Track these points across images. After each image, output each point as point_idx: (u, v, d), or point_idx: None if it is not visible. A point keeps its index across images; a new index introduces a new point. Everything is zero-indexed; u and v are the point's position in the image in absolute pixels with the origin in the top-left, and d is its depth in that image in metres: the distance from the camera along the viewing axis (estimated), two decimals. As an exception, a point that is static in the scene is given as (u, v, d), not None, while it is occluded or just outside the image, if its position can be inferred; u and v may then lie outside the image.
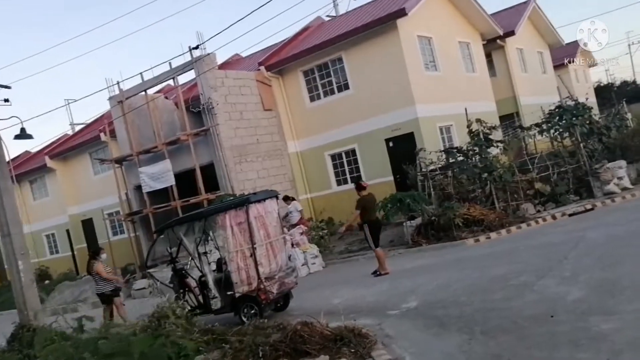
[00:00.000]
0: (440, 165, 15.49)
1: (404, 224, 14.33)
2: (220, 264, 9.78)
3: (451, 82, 20.25)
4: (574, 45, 41.05)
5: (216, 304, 9.56)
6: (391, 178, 18.47)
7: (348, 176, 19.82)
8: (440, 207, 13.61)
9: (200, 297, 9.80)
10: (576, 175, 14.54)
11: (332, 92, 19.76)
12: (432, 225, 13.63)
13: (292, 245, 14.46)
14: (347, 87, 19.35)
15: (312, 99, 20.25)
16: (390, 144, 18.59)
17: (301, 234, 14.79)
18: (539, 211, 13.96)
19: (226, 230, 9.31)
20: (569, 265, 7.99)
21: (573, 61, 39.36)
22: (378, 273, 11.15)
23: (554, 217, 13.05)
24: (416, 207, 13.29)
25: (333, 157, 20.11)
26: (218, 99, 17.96)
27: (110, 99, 20.18)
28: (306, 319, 6.85)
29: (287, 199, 16.42)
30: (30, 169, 29.33)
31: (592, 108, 16.09)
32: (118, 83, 19.57)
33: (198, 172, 17.61)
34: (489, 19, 22.92)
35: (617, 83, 68.18)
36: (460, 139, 17.77)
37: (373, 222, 11.21)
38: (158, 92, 21.90)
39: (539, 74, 29.58)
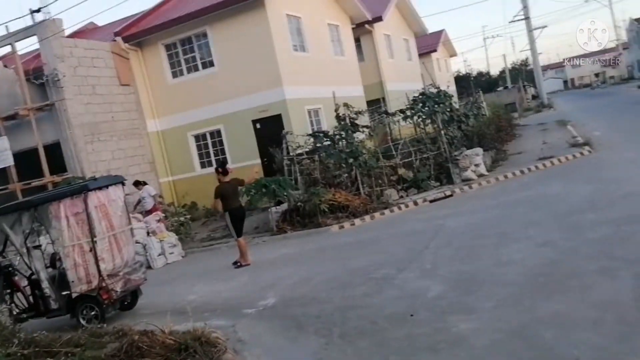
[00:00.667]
0: (307, 150, 15.09)
1: (269, 210, 13.78)
2: (55, 259, 8.52)
3: (320, 64, 19.95)
4: (437, 35, 43.29)
5: (49, 305, 8.32)
6: (259, 161, 17.80)
7: (213, 158, 18.85)
8: (306, 193, 13.20)
9: (31, 298, 8.50)
10: (437, 161, 14.86)
11: (196, 69, 18.59)
12: (297, 212, 13.21)
13: (148, 233, 13.35)
14: (212, 64, 18.29)
15: (174, 75, 18.91)
16: (258, 126, 17.91)
17: (158, 221, 13.67)
18: (401, 197, 14.08)
19: (60, 221, 8.07)
20: (430, 257, 7.88)
21: (435, 50, 41.53)
22: (239, 264, 10.49)
23: (415, 203, 13.20)
24: (281, 193, 12.77)
25: (197, 137, 19.01)
26: (65, 71, 16.07)
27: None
28: (148, 326, 6.02)
29: (139, 184, 15.15)
30: None
31: (452, 96, 16.58)
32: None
33: (41, 151, 15.69)
34: (358, 2, 22.92)
35: (474, 74, 73.34)
36: (329, 123, 17.54)
37: (235, 209, 10.49)
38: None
39: (404, 60, 30.44)
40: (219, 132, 18.54)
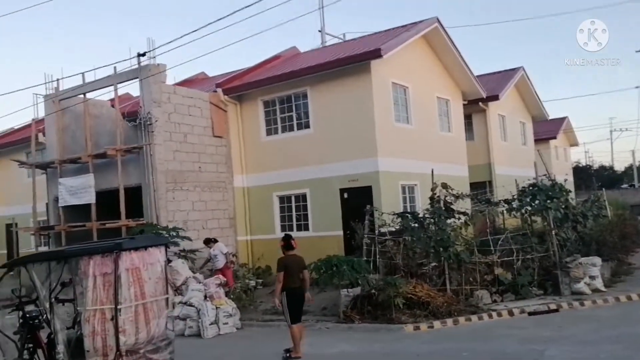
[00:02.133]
0: (392, 230, 13.50)
1: (340, 292, 12.22)
2: (76, 321, 7.51)
3: (423, 138, 18.50)
4: (559, 122, 40.42)
5: (58, 375, 7.25)
6: (341, 233, 16.43)
7: (295, 223, 17.74)
8: (382, 280, 11.54)
9: (46, 360, 7.51)
10: (543, 265, 12.67)
11: (291, 129, 17.84)
12: (370, 300, 11.55)
13: (206, 297, 12.24)
14: (307, 125, 17.45)
15: (268, 132, 18.27)
16: (345, 196, 16.63)
17: (218, 285, 12.54)
18: (495, 301, 11.98)
19: (87, 280, 7.08)
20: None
21: (555, 137, 38.63)
22: (289, 355, 8.97)
23: (511, 313, 11.07)
24: (352, 277, 11.20)
25: (282, 199, 18.04)
26: (160, 116, 15.86)
27: (46, 97, 17.96)
28: None
29: (209, 242, 14.25)
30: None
31: (570, 191, 14.40)
32: (58, 80, 17.48)
33: (122, 192, 15.36)
34: (473, 79, 21.43)
35: (595, 166, 68.02)
36: (425, 202, 15.89)
37: (295, 289, 9.06)
38: (111, 100, 19.69)
39: (518, 144, 28.22)
40: (304, 196, 17.46)
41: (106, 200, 16.01)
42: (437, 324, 10.65)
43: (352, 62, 16.28)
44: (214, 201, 17.43)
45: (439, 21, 18.77)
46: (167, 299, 7.74)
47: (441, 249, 12.06)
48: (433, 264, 12.65)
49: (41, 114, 18.36)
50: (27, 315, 7.68)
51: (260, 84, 17.95)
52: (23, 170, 24.18)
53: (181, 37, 12.81)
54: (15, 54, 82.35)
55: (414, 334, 10.31)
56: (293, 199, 17.76)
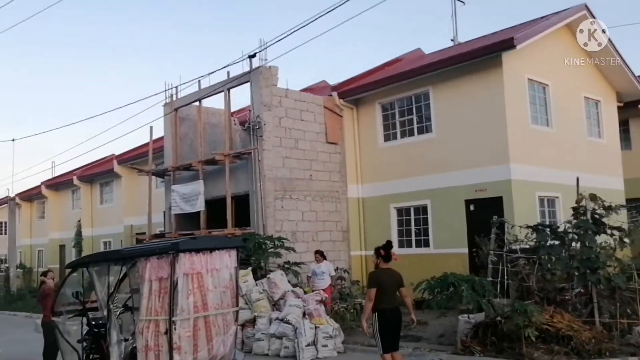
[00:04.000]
0: (525, 247, 11.31)
1: (459, 317, 10.33)
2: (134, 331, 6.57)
3: (566, 144, 15.90)
4: None
5: (111, 392, 6.33)
6: (466, 251, 14.40)
7: (414, 238, 16.02)
8: (511, 306, 9.48)
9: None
10: None
11: (411, 133, 16.20)
12: (495, 329, 9.54)
13: (304, 315, 10.97)
14: (429, 129, 15.73)
15: (386, 138, 16.81)
16: (472, 208, 14.61)
17: (319, 301, 11.21)
18: (662, 341, 9.35)
19: (144, 284, 6.12)
20: None
21: None
22: (379, 390, 7.38)
23: (686, 359, 8.47)
24: (473, 300, 9.28)
25: (400, 211, 16.41)
26: (269, 120, 15.09)
27: (164, 105, 18.09)
28: None
29: (318, 255, 12.89)
30: (100, 172, 28.51)
31: None
32: (176, 88, 17.53)
33: (229, 200, 14.77)
34: (632, 77, 18.27)
35: None
36: (568, 217, 13.40)
37: (389, 311, 7.40)
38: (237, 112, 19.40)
39: (689, 156, 23.93)
40: (425, 208, 15.68)
41: (218, 209, 15.49)
42: (581, 365, 8.39)
43: (481, 55, 14.35)
44: (325, 212, 16.25)
45: (587, 7, 16.13)
46: (236, 313, 6.54)
47: (587, 271, 9.70)
48: (577, 289, 10.29)
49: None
50: (93, 323, 6.89)
51: (378, 85, 16.59)
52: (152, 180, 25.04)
53: (290, 31, 11.69)
54: (133, 66, 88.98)
55: (550, 376, 8.17)
56: (412, 211, 16.06)
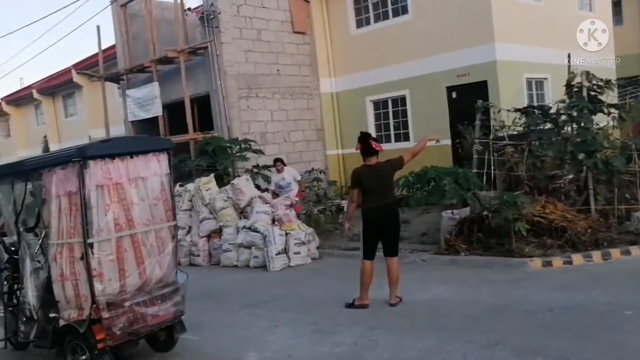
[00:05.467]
0: (513, 133, 10.23)
1: (442, 214, 9.42)
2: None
3: (555, 20, 14.37)
4: None
5: (31, 330, 5.33)
6: (449, 142, 13.34)
7: (392, 132, 14.89)
8: (499, 198, 8.53)
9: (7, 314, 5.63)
10: None
11: (386, 17, 14.57)
12: (481, 225, 8.66)
13: (274, 221, 10.00)
14: (405, 10, 14.11)
15: (359, 24, 15.19)
16: (454, 95, 13.38)
17: (289, 206, 10.20)
18: (663, 226, 8.55)
19: (52, 202, 4.96)
20: None
21: None
22: (352, 302, 6.49)
23: (691, 244, 7.67)
24: (457, 194, 8.29)
25: (377, 104, 15.15)
26: (227, 9, 13.38)
27: (112, 2, 16.10)
28: None
29: (277, 163, 11.57)
30: (60, 83, 26.64)
31: None
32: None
33: (187, 101, 13.39)
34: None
35: None
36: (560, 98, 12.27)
37: (376, 210, 6.37)
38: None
39: (682, 29, 22.57)
40: (403, 99, 14.42)
41: (179, 113, 14.09)
42: (577, 258, 7.57)
43: None
44: (297, 110, 14.94)
45: None
46: (173, 228, 5.45)
47: (583, 155, 8.68)
48: (570, 175, 9.34)
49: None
50: (13, 249, 5.78)
51: (346, -36, 14.75)
52: (114, 90, 23.32)
53: None
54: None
55: (542, 272, 7.35)
56: (390, 103, 14.80)
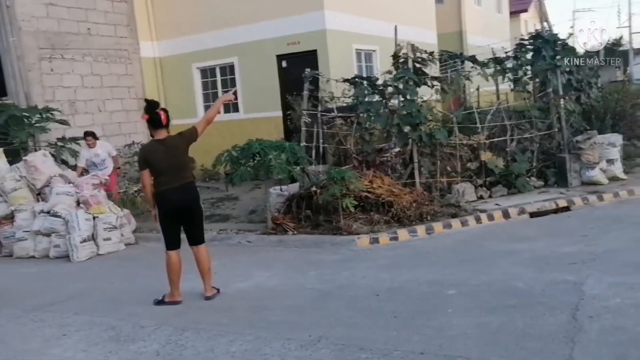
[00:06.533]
0: (342, 105, 9.91)
1: (270, 190, 8.80)
2: None
3: (384, -6, 14.44)
4: (533, -10, 36.22)
5: None
6: (280, 114, 12.86)
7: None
8: (327, 174, 8.12)
9: None
10: (543, 148, 9.45)
11: (212, -26, 13.51)
12: (310, 201, 8.21)
13: (78, 204, 8.64)
14: (232, -32, 13.18)
15: (182, -17, 13.92)
16: (284, 64, 12.83)
17: (96, 185, 8.88)
18: (481, 197, 8.82)
19: None
20: None
21: (527, 10, 34.71)
22: (162, 299, 5.60)
23: (506, 215, 7.92)
24: (283, 170, 7.70)
25: (204, 72, 14.11)
26: (20, -49, 11.31)
27: None
28: None
29: (88, 137, 10.10)
30: None
31: (575, 49, 10.91)
32: None
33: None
34: None
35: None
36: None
37: (169, 193, 5.43)
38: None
39: (493, 11, 24.50)
40: (232, 67, 13.56)
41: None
42: (403, 233, 7.42)
43: None
44: (113, 75, 13.33)
45: None
46: None
47: (408, 128, 8.59)
48: (396, 149, 9.26)
49: None
50: None
51: None
52: None
53: None
54: None
55: (370, 249, 7.07)
56: (218, 71, 13.85)
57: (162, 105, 5.65)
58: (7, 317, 5.69)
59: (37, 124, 10.50)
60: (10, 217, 8.80)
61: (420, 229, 7.47)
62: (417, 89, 8.99)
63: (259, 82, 12.99)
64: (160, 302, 5.54)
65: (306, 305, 5.20)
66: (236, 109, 13.53)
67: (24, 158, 9.00)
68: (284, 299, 5.44)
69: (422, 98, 9.41)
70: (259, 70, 12.94)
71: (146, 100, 5.49)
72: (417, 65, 9.34)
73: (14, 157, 9.75)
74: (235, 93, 6.09)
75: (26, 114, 10.46)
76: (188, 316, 5.19)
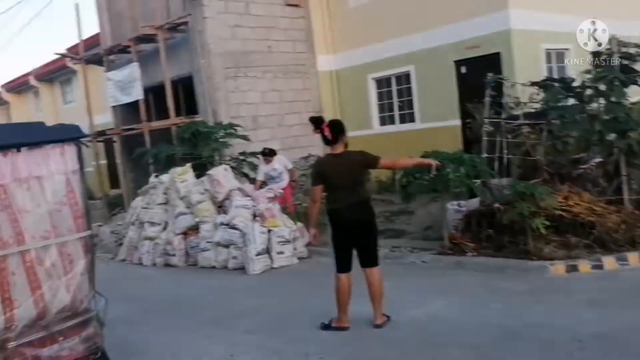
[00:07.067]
0: (529, 111, 8.84)
1: (447, 205, 8.09)
2: None
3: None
4: None
5: None
6: (458, 123, 12.05)
7: (397, 112, 13.54)
8: (512, 189, 7.20)
9: None
10: None
11: (388, -16, 13.19)
12: (491, 219, 7.35)
13: (255, 217, 8.79)
14: (408, -24, 12.71)
15: (358, -5, 13.82)
16: (463, 70, 12.00)
17: (271, 199, 8.96)
18: None
19: None
20: None
21: None
22: (328, 322, 5.24)
23: None
24: (463, 183, 6.98)
25: (379, 82, 13.81)
26: (210, -21, 12.10)
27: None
28: None
29: (266, 154, 10.24)
30: (55, 68, 25.59)
31: None
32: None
33: (167, 83, 12.19)
34: None
35: None
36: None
37: (345, 210, 5.09)
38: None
39: None
40: (407, 76, 13.07)
41: (163, 97, 12.90)
42: (609, 261, 6.24)
43: None
44: (291, 90, 13.65)
45: None
46: (86, 239, 4.23)
47: (614, 136, 7.30)
48: (597, 159, 7.95)
49: None
50: None
51: None
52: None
53: None
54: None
55: (566, 279, 6.05)
56: (394, 80, 13.45)
57: (338, 117, 5.36)
58: (183, 330, 5.79)
59: (221, 140, 11.04)
60: (195, 228, 9.27)
61: (633, 257, 6.22)
62: (625, 89, 7.63)
63: (436, 90, 12.33)
64: (326, 327, 5.20)
65: (488, 346, 4.46)
66: (412, 119, 13.01)
67: (207, 172, 9.43)
68: (461, 335, 4.76)
69: (630, 100, 8.01)
70: (436, 77, 12.28)
71: (310, 119, 5.22)
72: (624, 62, 7.94)
73: (201, 171, 10.31)
74: (439, 168, 5.57)
75: (211, 130, 11.04)
76: (355, 346, 4.78)
